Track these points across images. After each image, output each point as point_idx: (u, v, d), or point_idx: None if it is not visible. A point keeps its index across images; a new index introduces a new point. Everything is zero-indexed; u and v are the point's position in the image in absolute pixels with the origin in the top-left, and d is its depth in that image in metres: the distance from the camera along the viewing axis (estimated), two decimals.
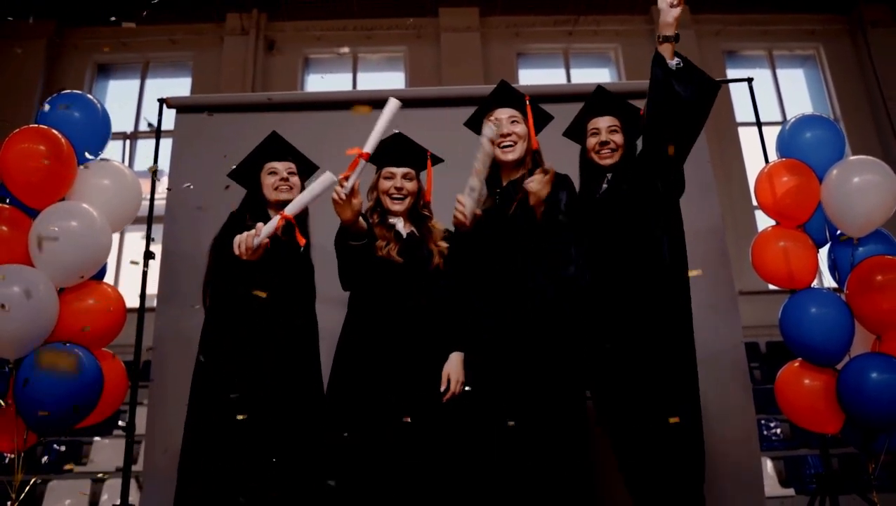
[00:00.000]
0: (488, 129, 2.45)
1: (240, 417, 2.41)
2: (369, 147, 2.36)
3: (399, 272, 2.61)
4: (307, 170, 2.92)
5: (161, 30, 9.64)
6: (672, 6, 2.43)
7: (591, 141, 2.72)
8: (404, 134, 2.75)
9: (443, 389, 2.46)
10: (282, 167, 2.79)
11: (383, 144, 2.71)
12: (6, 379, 2.77)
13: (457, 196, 2.50)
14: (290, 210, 2.43)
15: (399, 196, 2.73)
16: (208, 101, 4.10)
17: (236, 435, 2.43)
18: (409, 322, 2.56)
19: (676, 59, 2.46)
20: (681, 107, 2.43)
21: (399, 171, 2.74)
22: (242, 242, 2.37)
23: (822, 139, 3.35)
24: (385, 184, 2.74)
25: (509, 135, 2.63)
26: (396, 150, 2.74)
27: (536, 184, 2.45)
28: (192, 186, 3.61)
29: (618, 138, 2.69)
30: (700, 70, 2.49)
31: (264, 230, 2.39)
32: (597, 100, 2.77)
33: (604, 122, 2.71)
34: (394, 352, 2.50)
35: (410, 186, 2.75)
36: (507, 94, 2.73)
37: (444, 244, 2.72)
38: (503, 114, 2.67)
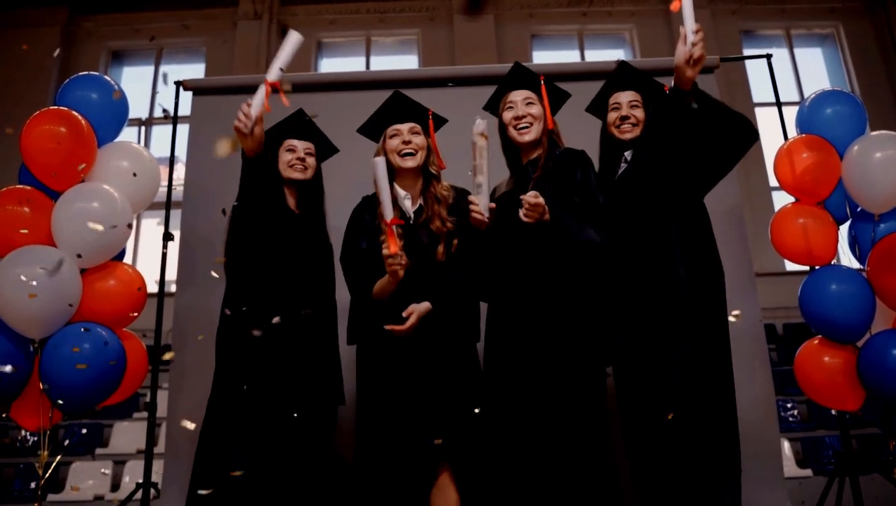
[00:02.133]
0: (476, 125, 2.38)
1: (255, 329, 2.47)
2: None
3: (406, 275, 2.42)
4: (326, 152, 2.91)
5: (174, 15, 9.67)
6: (691, 64, 2.27)
7: (612, 116, 2.71)
8: (402, 93, 2.69)
9: (405, 314, 2.40)
10: (301, 146, 2.79)
11: (382, 106, 2.66)
12: (31, 358, 2.80)
13: (468, 198, 2.47)
14: (271, 77, 2.38)
15: (409, 150, 2.61)
16: (224, 83, 4.11)
17: (255, 413, 2.47)
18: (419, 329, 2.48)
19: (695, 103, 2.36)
20: (699, 148, 2.38)
21: (404, 126, 2.64)
22: (240, 111, 2.36)
23: (843, 114, 3.30)
24: (392, 143, 2.63)
25: (524, 117, 2.62)
26: (397, 107, 2.67)
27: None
28: None
29: (639, 113, 2.67)
30: (725, 111, 2.39)
31: (255, 103, 2.36)
32: (619, 74, 2.75)
33: (625, 97, 2.69)
34: (411, 361, 2.46)
35: (419, 140, 2.63)
36: (522, 76, 2.71)
37: (450, 219, 2.58)
38: (517, 96, 2.66)
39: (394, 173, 2.63)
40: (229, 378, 2.56)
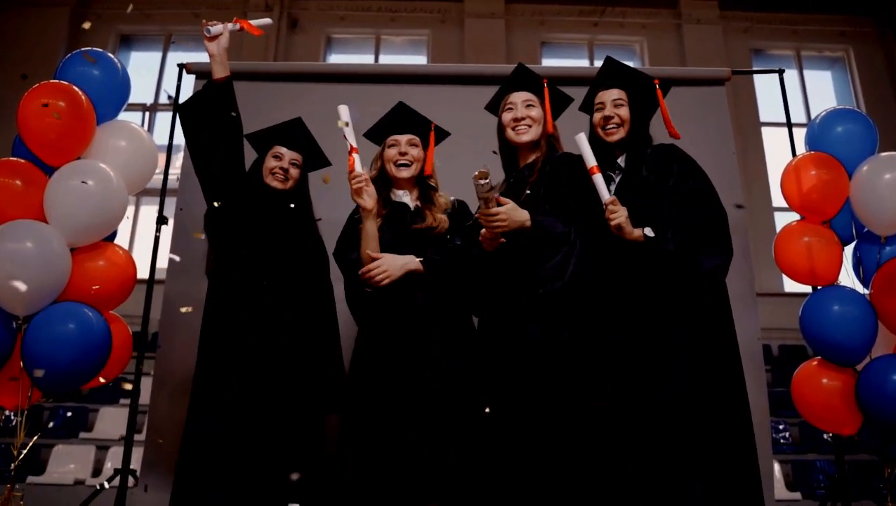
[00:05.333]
0: (480, 181, 2.31)
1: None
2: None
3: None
4: (317, 163, 2.86)
5: (185, 3, 9.64)
6: (615, 230, 2.33)
7: (597, 116, 2.60)
8: (406, 104, 2.73)
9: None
10: (287, 156, 2.74)
11: (386, 115, 2.73)
12: (14, 335, 2.74)
13: (482, 232, 2.46)
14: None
15: (405, 161, 2.68)
16: (230, 68, 4.06)
17: (241, 410, 2.43)
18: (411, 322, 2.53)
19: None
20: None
21: (403, 137, 2.70)
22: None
23: (854, 133, 3.25)
24: (390, 152, 2.71)
25: (523, 119, 2.62)
26: (399, 118, 2.71)
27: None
28: None
29: (623, 112, 2.55)
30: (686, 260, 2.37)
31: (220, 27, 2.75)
32: (604, 72, 2.64)
33: (609, 96, 2.57)
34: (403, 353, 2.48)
35: (416, 152, 2.70)
36: (525, 78, 2.70)
37: (443, 217, 2.66)
38: (518, 98, 2.65)
39: (392, 182, 2.73)
40: (211, 383, 2.52)
